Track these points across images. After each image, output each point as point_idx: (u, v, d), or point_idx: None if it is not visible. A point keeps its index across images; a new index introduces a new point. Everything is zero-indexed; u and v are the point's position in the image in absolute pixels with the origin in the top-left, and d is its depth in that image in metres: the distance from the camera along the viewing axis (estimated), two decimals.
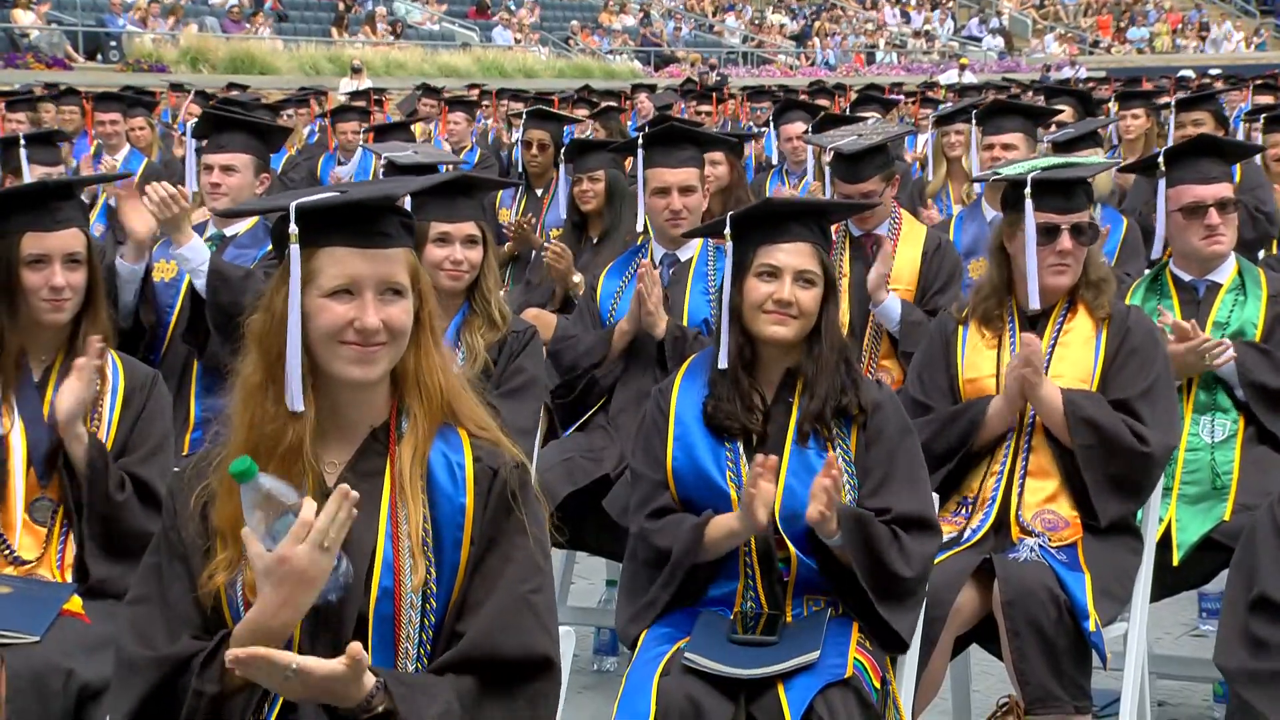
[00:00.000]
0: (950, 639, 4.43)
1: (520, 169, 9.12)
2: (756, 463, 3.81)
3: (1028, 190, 4.66)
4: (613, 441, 5.58)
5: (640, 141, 6.05)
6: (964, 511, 4.68)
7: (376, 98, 16.93)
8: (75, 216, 4.23)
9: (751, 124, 15.76)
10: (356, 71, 25.32)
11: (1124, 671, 4.63)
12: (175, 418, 5.21)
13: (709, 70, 33.43)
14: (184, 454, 5.29)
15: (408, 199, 4.41)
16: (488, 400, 3.05)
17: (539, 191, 8.83)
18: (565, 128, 9.72)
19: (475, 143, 13.43)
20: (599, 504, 5.46)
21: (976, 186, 7.45)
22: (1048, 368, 4.67)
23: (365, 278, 2.83)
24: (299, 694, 2.71)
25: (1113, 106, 11.03)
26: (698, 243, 5.83)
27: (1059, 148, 7.25)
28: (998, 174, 5.03)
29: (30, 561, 4.06)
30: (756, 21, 42.71)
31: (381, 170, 6.61)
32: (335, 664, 2.64)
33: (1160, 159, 5.22)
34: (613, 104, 14.51)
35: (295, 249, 2.80)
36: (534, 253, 8.06)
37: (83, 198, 4.42)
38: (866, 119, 8.58)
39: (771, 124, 11.42)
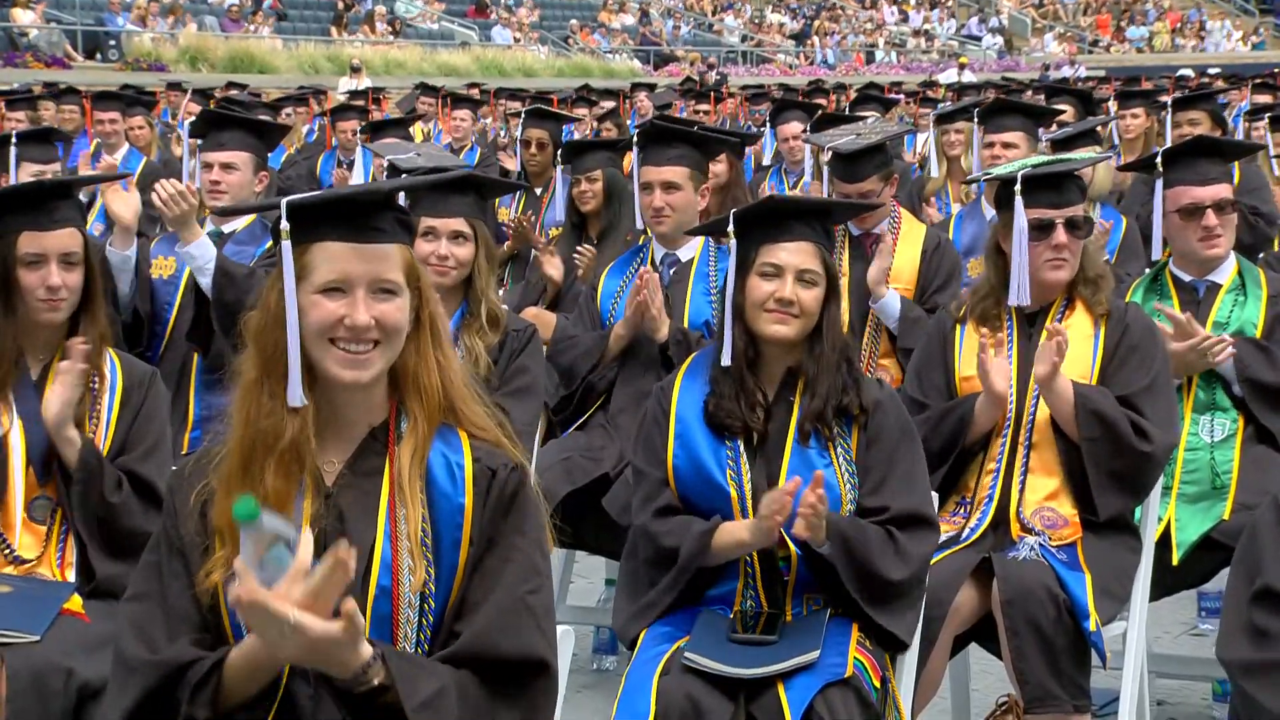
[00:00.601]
0: (949, 638, 4.43)
1: (520, 168, 9.12)
2: (784, 489, 3.76)
3: (1018, 188, 4.65)
4: (612, 441, 5.58)
5: (635, 140, 6.04)
6: (963, 511, 4.68)
7: (375, 97, 16.93)
8: (72, 216, 4.22)
9: (750, 125, 15.75)
10: (356, 70, 25.34)
11: (1123, 670, 4.63)
12: (174, 416, 5.22)
13: (708, 69, 33.41)
14: (183, 452, 5.29)
15: (402, 195, 4.39)
16: (496, 402, 3.04)
17: (537, 190, 8.83)
18: (564, 126, 9.72)
19: (475, 142, 13.44)
20: (598, 503, 5.46)
21: (975, 186, 7.44)
22: None
23: (357, 274, 2.82)
24: (295, 655, 2.68)
25: (1112, 106, 11.02)
26: (699, 243, 5.82)
27: (1058, 146, 7.25)
28: (989, 174, 5.02)
29: (30, 560, 4.07)
30: (756, 21, 42.72)
31: (385, 174, 6.60)
32: (332, 625, 2.62)
33: (1158, 159, 5.19)
34: (611, 103, 14.51)
35: (287, 245, 2.80)
36: (533, 251, 8.05)
37: (80, 197, 4.41)
38: (865, 118, 8.57)
39: (769, 124, 11.42)
